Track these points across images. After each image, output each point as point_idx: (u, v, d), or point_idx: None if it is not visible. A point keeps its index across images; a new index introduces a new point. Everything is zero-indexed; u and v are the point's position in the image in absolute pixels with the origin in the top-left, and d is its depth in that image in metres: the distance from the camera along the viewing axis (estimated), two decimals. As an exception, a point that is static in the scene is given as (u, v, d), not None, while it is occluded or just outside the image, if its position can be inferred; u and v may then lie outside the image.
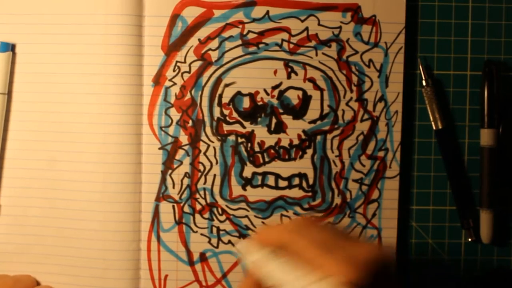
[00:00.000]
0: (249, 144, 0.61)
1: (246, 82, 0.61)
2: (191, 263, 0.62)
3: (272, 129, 0.61)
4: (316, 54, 0.61)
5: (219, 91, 0.61)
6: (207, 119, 0.61)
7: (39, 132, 0.61)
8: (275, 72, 0.61)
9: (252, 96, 0.61)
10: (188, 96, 0.61)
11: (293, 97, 0.61)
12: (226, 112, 0.61)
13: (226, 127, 0.61)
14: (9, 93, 0.60)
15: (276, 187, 0.61)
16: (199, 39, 0.61)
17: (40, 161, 0.61)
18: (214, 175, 0.61)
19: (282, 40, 0.61)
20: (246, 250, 0.45)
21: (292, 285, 0.42)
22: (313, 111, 0.61)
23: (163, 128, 0.61)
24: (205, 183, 0.61)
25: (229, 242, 0.62)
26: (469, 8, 0.62)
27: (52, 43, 0.60)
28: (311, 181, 0.61)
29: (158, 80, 0.61)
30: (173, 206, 0.61)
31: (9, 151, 0.61)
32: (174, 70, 0.61)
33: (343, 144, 0.61)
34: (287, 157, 0.61)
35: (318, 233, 0.44)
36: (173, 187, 0.61)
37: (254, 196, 0.61)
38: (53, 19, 0.60)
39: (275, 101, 0.61)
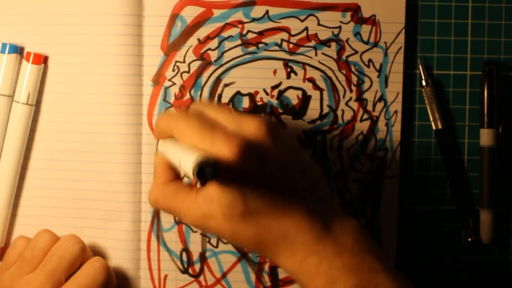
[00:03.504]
0: (248, 144, 0.61)
1: (245, 82, 0.61)
2: (191, 263, 0.62)
3: (271, 129, 0.61)
4: (316, 54, 0.61)
5: (218, 91, 0.61)
6: (206, 119, 0.61)
7: (39, 132, 0.61)
8: (275, 72, 0.61)
9: (252, 96, 0.61)
10: (187, 96, 0.61)
11: (293, 97, 0.61)
12: (225, 112, 0.61)
13: (225, 127, 0.61)
14: (9, 93, 0.61)
15: (276, 187, 0.61)
16: (198, 39, 0.61)
17: (41, 161, 0.61)
18: (214, 175, 0.61)
19: (282, 40, 0.61)
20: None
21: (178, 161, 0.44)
22: (313, 111, 0.61)
23: (162, 128, 0.61)
24: (204, 183, 0.61)
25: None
26: (469, 8, 0.62)
27: (52, 43, 0.60)
28: (310, 181, 0.61)
29: (157, 80, 0.61)
30: (173, 206, 0.61)
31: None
32: (173, 70, 0.61)
33: (343, 144, 0.61)
34: (286, 157, 0.61)
35: (205, 115, 0.47)
36: (173, 187, 0.61)
37: (254, 196, 0.61)
38: (53, 19, 0.60)
39: (274, 101, 0.61)
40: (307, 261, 0.45)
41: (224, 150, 0.42)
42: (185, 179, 0.50)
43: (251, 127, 0.45)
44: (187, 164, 0.42)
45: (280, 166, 0.46)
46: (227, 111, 0.47)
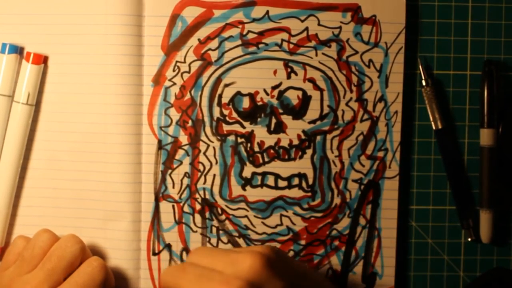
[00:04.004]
0: (248, 144, 0.61)
1: (245, 82, 0.61)
2: (191, 263, 0.62)
3: (271, 129, 0.61)
4: (316, 54, 0.61)
5: (218, 91, 0.61)
6: (206, 119, 0.61)
7: (40, 132, 0.61)
8: (275, 72, 0.61)
9: (252, 96, 0.61)
10: (187, 96, 0.61)
11: (293, 97, 0.61)
12: (225, 112, 0.61)
13: (225, 127, 0.61)
14: (9, 93, 0.60)
15: (276, 187, 0.61)
16: (198, 39, 0.61)
17: (40, 161, 0.61)
18: (214, 175, 0.61)
19: (282, 40, 0.61)
20: None
21: None
22: (313, 111, 0.61)
23: (162, 128, 0.61)
24: (204, 183, 0.61)
25: (229, 242, 0.62)
26: (469, 8, 0.62)
27: (52, 43, 0.60)
28: (310, 181, 0.61)
29: (158, 80, 0.61)
30: (173, 206, 0.61)
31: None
32: (173, 70, 0.61)
33: (343, 144, 0.61)
34: (286, 157, 0.61)
35: (202, 266, 0.49)
36: (173, 187, 0.61)
37: (254, 196, 0.61)
38: (53, 19, 0.60)
39: (274, 101, 0.61)
40: None
41: None
42: None
43: (246, 264, 0.46)
44: None
45: None
46: (222, 254, 0.49)
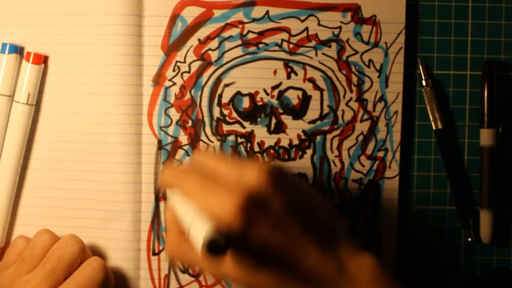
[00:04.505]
0: (248, 144, 0.61)
1: (245, 82, 0.61)
2: (191, 263, 0.62)
3: (271, 129, 0.61)
4: (316, 54, 0.61)
5: (218, 91, 0.61)
6: (206, 119, 0.61)
7: (40, 132, 0.61)
8: (275, 72, 0.61)
9: (252, 96, 0.61)
10: (187, 96, 0.61)
11: (293, 97, 0.61)
12: (225, 112, 0.61)
13: (225, 127, 0.61)
14: (9, 93, 0.60)
15: (276, 187, 0.61)
16: (198, 39, 0.61)
17: (40, 161, 0.61)
18: (214, 175, 0.61)
19: (282, 40, 0.61)
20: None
21: (189, 227, 0.45)
22: (313, 111, 0.61)
23: (162, 128, 0.61)
24: (205, 183, 0.61)
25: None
26: (469, 8, 0.62)
27: (52, 43, 0.60)
28: (310, 181, 0.61)
29: (157, 80, 0.61)
30: (173, 206, 0.61)
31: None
32: (173, 70, 0.61)
33: (343, 144, 0.61)
34: (286, 157, 0.61)
35: (206, 168, 0.47)
36: (173, 187, 0.61)
37: (254, 196, 0.61)
38: (53, 19, 0.60)
39: (274, 101, 0.61)
40: None
41: (226, 205, 0.43)
42: None
43: (252, 175, 0.45)
44: (196, 235, 0.43)
45: (286, 211, 0.45)
46: (228, 161, 0.47)
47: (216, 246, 0.41)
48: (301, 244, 0.45)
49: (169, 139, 0.61)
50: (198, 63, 0.61)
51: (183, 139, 0.61)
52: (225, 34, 0.61)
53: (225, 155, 0.50)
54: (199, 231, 0.42)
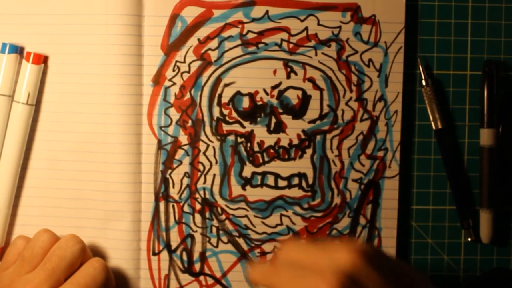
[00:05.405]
0: (248, 144, 0.61)
1: (245, 82, 0.61)
2: (191, 262, 0.62)
3: (271, 129, 0.61)
4: (316, 54, 0.61)
5: (218, 91, 0.61)
6: (206, 119, 0.61)
7: (40, 131, 0.61)
8: (275, 72, 0.61)
9: (252, 96, 0.61)
10: (187, 96, 0.61)
11: (293, 97, 0.61)
12: (225, 112, 0.61)
13: (225, 127, 0.61)
14: (9, 93, 0.61)
15: (276, 187, 0.61)
16: (198, 39, 0.61)
17: (41, 161, 0.61)
18: (214, 175, 0.61)
19: (282, 40, 0.61)
20: None
21: None
22: (313, 111, 0.61)
23: (162, 128, 0.61)
24: (204, 182, 0.61)
25: (229, 242, 0.62)
26: (469, 8, 0.62)
27: (52, 43, 0.60)
28: (310, 181, 0.61)
29: (157, 80, 0.61)
30: (173, 206, 0.61)
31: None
32: (173, 70, 0.61)
33: (343, 144, 0.61)
34: (286, 157, 0.61)
35: (295, 261, 0.46)
36: (173, 186, 0.61)
37: (254, 196, 0.61)
38: (53, 19, 0.60)
39: (274, 101, 0.61)
40: None
41: None
42: None
43: (343, 257, 0.43)
44: None
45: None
46: (315, 248, 0.46)
47: None
48: None
49: (169, 139, 0.61)
50: (198, 63, 0.61)
51: (183, 139, 0.61)
52: (225, 34, 0.61)
53: (310, 242, 0.48)
54: None
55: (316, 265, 0.44)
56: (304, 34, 0.61)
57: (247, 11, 0.61)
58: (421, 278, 0.47)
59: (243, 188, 0.61)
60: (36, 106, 0.60)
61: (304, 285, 0.43)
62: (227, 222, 0.62)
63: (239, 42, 0.61)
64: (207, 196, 0.61)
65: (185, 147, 0.61)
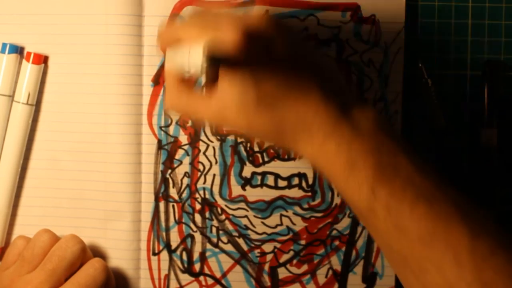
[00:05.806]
0: (248, 144, 0.61)
1: (245, 82, 0.61)
2: (191, 262, 0.62)
3: (271, 128, 0.61)
4: (316, 54, 0.61)
5: (218, 91, 0.61)
6: (206, 119, 0.61)
7: (40, 131, 0.61)
8: (275, 72, 0.61)
9: (252, 96, 0.61)
10: (187, 95, 0.61)
11: (293, 97, 0.61)
12: (225, 112, 0.61)
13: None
14: (9, 93, 0.61)
15: (276, 187, 0.61)
16: (198, 39, 0.61)
17: (41, 161, 0.61)
18: (214, 175, 0.61)
19: (282, 40, 0.61)
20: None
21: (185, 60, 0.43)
22: (313, 111, 0.61)
23: (162, 128, 0.61)
24: (204, 182, 0.61)
25: (229, 242, 0.62)
26: (469, 8, 0.62)
27: (52, 43, 0.60)
28: (310, 181, 0.61)
29: (157, 80, 0.61)
30: (173, 206, 0.61)
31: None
32: (173, 70, 0.61)
33: (343, 144, 0.61)
34: (286, 156, 0.61)
35: (207, 11, 0.46)
36: (173, 186, 0.61)
37: (254, 196, 0.61)
38: (53, 19, 0.60)
39: (274, 101, 0.61)
40: (326, 145, 0.45)
41: (228, 34, 0.41)
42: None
43: (256, 17, 0.44)
44: (195, 60, 0.41)
45: (290, 55, 0.45)
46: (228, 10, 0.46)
47: (215, 57, 0.40)
48: (304, 85, 0.45)
49: (169, 139, 0.61)
50: (198, 63, 0.61)
51: (183, 139, 0.61)
52: (225, 34, 0.61)
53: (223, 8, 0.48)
54: (199, 52, 0.41)
55: (228, 18, 0.43)
56: (304, 34, 0.61)
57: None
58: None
59: (243, 188, 0.61)
60: (36, 106, 0.60)
61: (212, 28, 0.42)
62: (227, 222, 0.62)
63: (239, 42, 0.61)
64: (207, 196, 0.61)
65: (185, 147, 0.61)
